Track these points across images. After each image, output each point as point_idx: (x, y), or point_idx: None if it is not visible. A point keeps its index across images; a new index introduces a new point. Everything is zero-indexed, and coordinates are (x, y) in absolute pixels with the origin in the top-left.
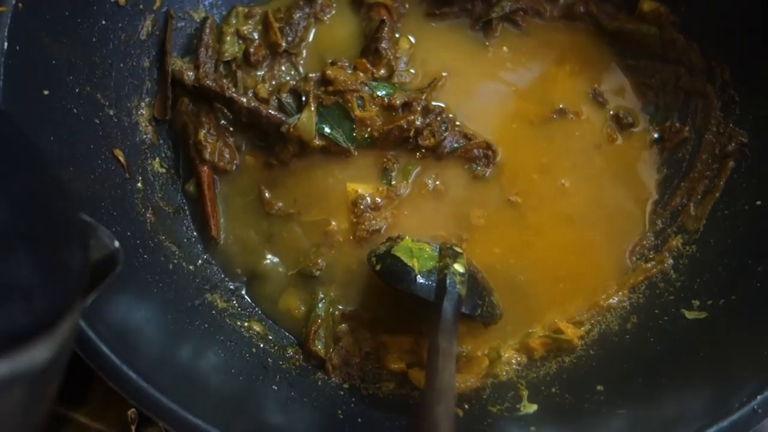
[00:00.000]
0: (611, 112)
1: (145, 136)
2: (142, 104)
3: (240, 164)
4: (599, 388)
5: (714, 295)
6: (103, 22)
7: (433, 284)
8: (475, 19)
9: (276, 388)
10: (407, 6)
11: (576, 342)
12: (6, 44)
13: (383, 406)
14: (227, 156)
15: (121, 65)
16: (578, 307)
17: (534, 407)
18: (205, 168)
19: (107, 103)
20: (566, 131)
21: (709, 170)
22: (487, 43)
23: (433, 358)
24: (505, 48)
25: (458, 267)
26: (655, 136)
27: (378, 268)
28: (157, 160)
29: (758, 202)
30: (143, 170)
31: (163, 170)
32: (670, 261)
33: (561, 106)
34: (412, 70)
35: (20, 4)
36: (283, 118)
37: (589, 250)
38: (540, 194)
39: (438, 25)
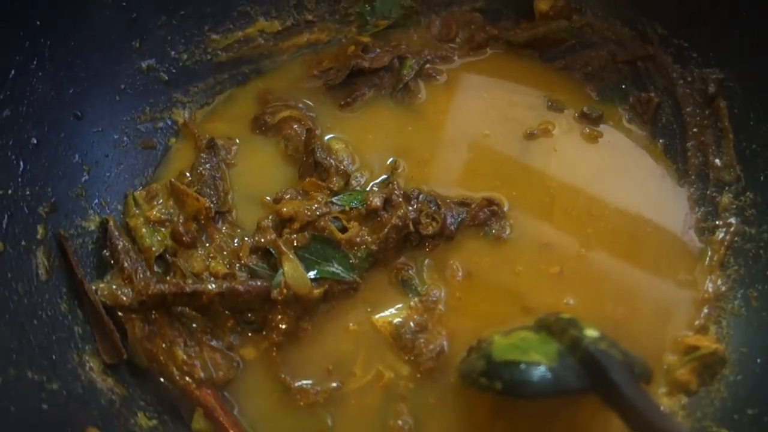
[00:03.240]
0: (575, 114)
1: (109, 394)
2: (85, 357)
3: (241, 363)
4: None
5: None
6: None
7: (575, 369)
8: (391, 89)
9: None
10: (312, 104)
11: (720, 348)
12: None
13: None
14: (222, 362)
15: (35, 323)
16: (688, 316)
17: None
18: (206, 391)
19: (44, 378)
20: (549, 150)
21: (705, 119)
22: (415, 105)
23: None
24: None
25: (591, 332)
26: (629, 116)
27: (500, 386)
28: (140, 413)
29: None
30: None
31: (154, 422)
32: (736, 219)
33: (527, 130)
34: (355, 167)
35: None
36: (266, 284)
37: (647, 253)
38: (568, 224)
39: (357, 112)
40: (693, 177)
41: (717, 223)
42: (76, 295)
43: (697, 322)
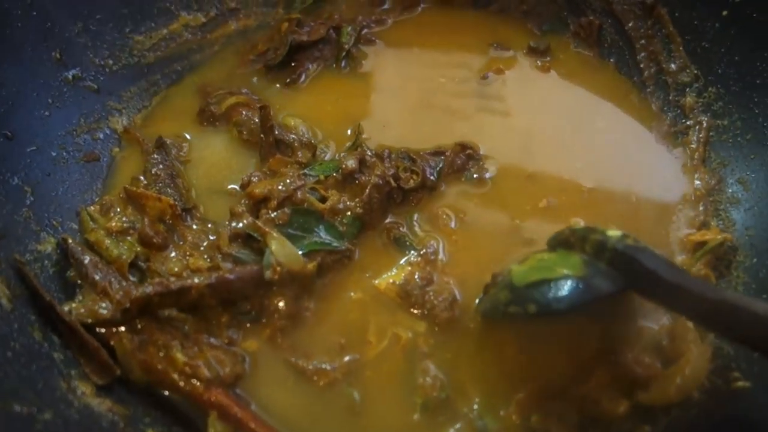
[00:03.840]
0: (523, 51)
1: (110, 416)
2: (74, 382)
3: (247, 357)
4: None
5: None
6: None
7: (606, 272)
8: (334, 59)
9: None
10: (256, 88)
11: (728, 237)
12: None
13: None
14: (226, 358)
15: (9, 354)
16: (686, 216)
17: None
18: (216, 390)
19: (35, 409)
20: (505, 90)
21: (649, 29)
22: (362, 71)
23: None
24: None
25: (613, 232)
26: (575, 44)
27: (534, 309)
28: (149, 430)
29: (724, 13)
30: None
31: None
32: (706, 116)
33: (480, 73)
34: (317, 140)
35: None
36: (256, 267)
37: (630, 167)
38: (545, 153)
39: (305, 88)
40: (652, 87)
41: (688, 123)
42: (48, 321)
43: (697, 220)
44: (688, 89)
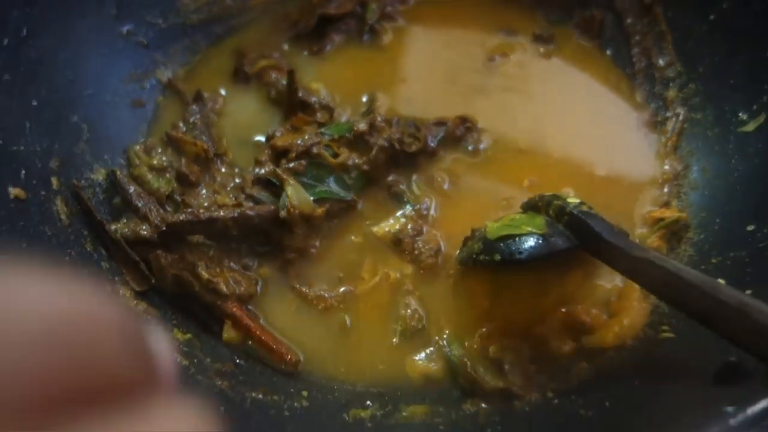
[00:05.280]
0: (529, 38)
1: (144, 316)
2: (117, 286)
3: (259, 280)
4: (750, 228)
5: (757, 96)
6: (23, 223)
7: (563, 232)
8: (358, 33)
9: None
10: (285, 54)
11: (683, 215)
12: None
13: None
14: (241, 279)
15: (66, 259)
16: (652, 196)
17: None
18: (233, 304)
19: None
20: (509, 73)
21: (645, 26)
22: (383, 45)
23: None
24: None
25: (573, 200)
26: (578, 34)
27: (498, 257)
28: (175, 330)
29: (711, 16)
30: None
31: (189, 335)
32: (683, 108)
33: (488, 54)
34: (336, 104)
35: None
36: (273, 207)
37: (612, 151)
38: (537, 131)
39: (330, 57)
40: (641, 79)
41: (667, 115)
42: (98, 237)
43: (661, 199)
44: (671, 83)
